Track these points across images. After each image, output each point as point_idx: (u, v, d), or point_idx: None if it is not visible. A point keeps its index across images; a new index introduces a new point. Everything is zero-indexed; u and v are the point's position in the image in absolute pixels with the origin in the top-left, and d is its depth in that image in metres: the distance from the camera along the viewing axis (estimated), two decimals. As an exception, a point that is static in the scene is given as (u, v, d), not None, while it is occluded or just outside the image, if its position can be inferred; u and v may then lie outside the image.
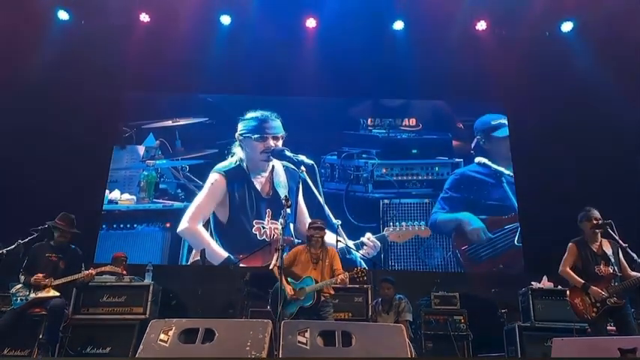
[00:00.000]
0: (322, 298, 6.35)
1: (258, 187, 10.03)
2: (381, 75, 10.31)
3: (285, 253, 6.24)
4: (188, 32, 9.88)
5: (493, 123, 10.59)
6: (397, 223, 9.79)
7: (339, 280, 6.29)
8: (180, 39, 9.88)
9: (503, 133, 10.49)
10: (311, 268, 6.48)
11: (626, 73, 9.31)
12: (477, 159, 10.31)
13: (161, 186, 10.28)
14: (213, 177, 10.11)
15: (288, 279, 6.47)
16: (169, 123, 10.59)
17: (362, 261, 9.32)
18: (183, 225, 9.85)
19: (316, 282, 6.34)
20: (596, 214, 5.99)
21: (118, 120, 10.54)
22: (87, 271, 6.62)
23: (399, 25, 10.09)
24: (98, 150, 10.14)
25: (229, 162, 10.24)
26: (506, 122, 10.55)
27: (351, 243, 9.40)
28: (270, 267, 6.34)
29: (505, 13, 9.67)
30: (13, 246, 6.25)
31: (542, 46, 10.00)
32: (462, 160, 10.35)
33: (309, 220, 9.65)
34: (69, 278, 6.52)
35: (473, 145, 10.45)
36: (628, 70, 9.32)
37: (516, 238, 9.80)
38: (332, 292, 6.53)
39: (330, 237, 7.79)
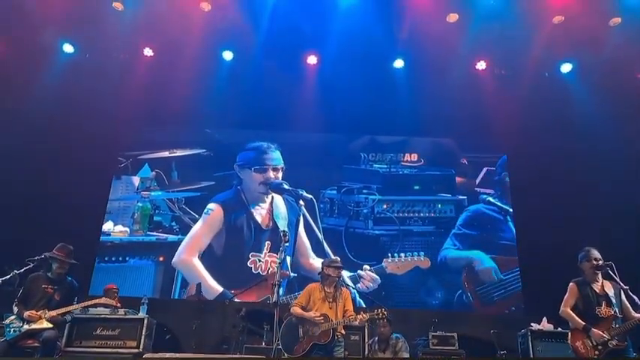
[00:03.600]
0: (335, 337, 6.25)
1: (259, 218, 9.94)
2: (382, 112, 10.40)
3: (282, 288, 6.17)
4: (190, 67, 9.99)
5: None
6: (396, 254, 9.70)
7: (357, 320, 6.21)
8: (182, 73, 9.99)
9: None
10: (326, 306, 6.37)
11: (624, 113, 9.42)
12: (483, 196, 10.30)
13: (155, 218, 10.18)
14: (211, 207, 10.00)
15: None
16: (166, 154, 10.55)
17: (360, 300, 9.20)
18: (178, 256, 9.72)
19: (332, 320, 6.24)
20: (596, 254, 5.95)
21: (117, 150, 10.55)
22: (73, 306, 6.62)
23: (399, 63, 10.21)
24: (97, 180, 10.13)
25: (228, 193, 10.16)
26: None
27: (346, 276, 9.26)
28: (271, 301, 6.25)
29: (505, 53, 9.80)
30: (8, 276, 6.23)
31: (541, 86, 10.13)
32: (465, 197, 10.31)
33: (311, 254, 9.63)
34: (62, 310, 6.49)
35: (480, 178, 10.43)
36: (627, 111, 9.43)
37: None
38: (343, 331, 6.41)
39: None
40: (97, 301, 6.81)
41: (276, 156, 10.32)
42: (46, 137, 9.69)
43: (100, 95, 9.95)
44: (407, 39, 9.54)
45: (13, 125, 9.37)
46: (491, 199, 10.25)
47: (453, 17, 9.08)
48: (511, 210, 10.19)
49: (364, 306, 8.99)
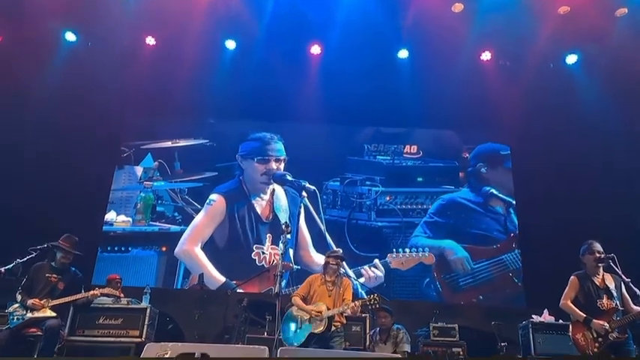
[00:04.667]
0: (333, 327, 6.26)
1: (259, 210, 9.94)
2: (386, 103, 10.34)
3: (284, 280, 6.19)
4: (193, 56, 9.94)
5: (503, 153, 10.58)
6: (400, 250, 9.70)
7: (349, 309, 6.23)
8: (184, 62, 9.94)
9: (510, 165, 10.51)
10: (325, 295, 6.42)
11: (629, 105, 9.36)
12: (485, 189, 10.24)
13: (158, 208, 10.20)
14: (213, 198, 10.01)
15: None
16: (169, 144, 10.56)
17: (362, 292, 9.21)
18: (180, 247, 9.75)
19: (328, 309, 6.27)
20: (599, 247, 5.94)
21: (119, 140, 10.55)
22: (92, 291, 6.67)
23: (403, 53, 10.14)
24: (100, 170, 10.15)
25: (230, 183, 10.16)
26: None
27: (350, 272, 9.29)
28: (273, 292, 6.26)
29: (510, 44, 9.73)
30: (11, 265, 6.24)
31: (546, 78, 10.04)
32: (468, 189, 10.30)
33: (311, 247, 9.62)
34: (71, 298, 6.53)
35: (467, 172, 10.42)
36: (632, 102, 9.37)
37: (500, 272, 9.77)
38: (343, 321, 6.44)
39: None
40: (100, 291, 6.81)
41: (278, 147, 10.31)
42: (48, 127, 9.66)
43: (103, 84, 9.92)
44: (411, 29, 9.48)
45: (14, 115, 9.39)
46: (493, 191, 10.23)
47: (458, 7, 9.03)
48: (514, 202, 10.18)
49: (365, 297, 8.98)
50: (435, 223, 10.04)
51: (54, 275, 6.62)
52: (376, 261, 9.60)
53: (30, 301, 6.33)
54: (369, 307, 6.41)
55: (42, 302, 6.37)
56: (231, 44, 10.12)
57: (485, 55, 10.06)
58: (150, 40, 10.02)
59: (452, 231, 10.01)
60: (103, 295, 6.87)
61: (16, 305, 6.38)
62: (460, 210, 10.16)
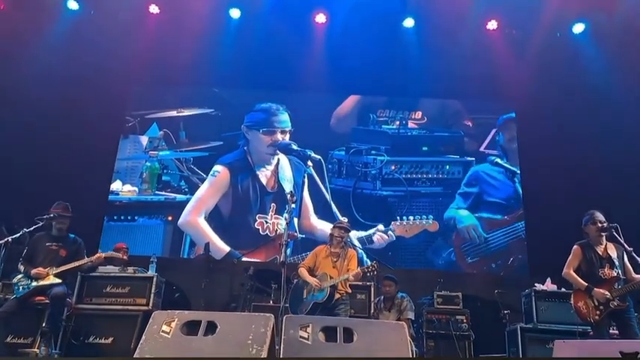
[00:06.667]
0: (337, 296, 6.35)
1: (264, 180, 9.97)
2: (391, 72, 10.26)
3: (289, 248, 6.25)
4: (197, 24, 9.83)
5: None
6: (404, 217, 9.75)
7: (351, 276, 6.30)
8: (188, 31, 9.85)
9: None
10: (330, 266, 6.50)
11: (638, 75, 9.26)
12: (490, 158, 10.25)
13: (164, 178, 10.22)
14: (217, 169, 10.03)
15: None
16: (174, 113, 10.53)
17: (368, 260, 9.28)
18: (184, 218, 9.80)
19: (331, 279, 6.36)
20: (601, 217, 5.97)
21: (124, 110, 10.53)
22: (95, 255, 6.70)
23: (409, 22, 10.01)
24: (105, 140, 10.16)
25: (234, 154, 10.17)
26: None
27: (356, 237, 9.35)
28: (279, 261, 6.35)
29: (516, 13, 9.61)
30: (18, 234, 6.30)
31: (552, 47, 9.92)
32: (473, 159, 10.27)
33: (313, 216, 9.68)
34: (75, 264, 6.55)
35: (488, 141, 10.36)
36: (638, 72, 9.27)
37: (514, 239, 9.82)
38: (349, 290, 6.54)
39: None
40: (104, 254, 6.83)
41: (284, 118, 10.28)
42: (51, 97, 9.62)
43: (106, 53, 9.86)
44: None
45: (17, 84, 9.36)
46: (498, 160, 10.22)
47: (464, -26, 8.90)
48: (518, 171, 10.17)
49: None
50: (465, 194, 10.08)
51: (54, 244, 6.61)
52: (380, 226, 9.65)
53: (34, 271, 6.33)
54: (369, 274, 6.50)
55: (46, 270, 6.37)
56: (235, 12, 10.01)
57: (492, 24, 9.93)
58: (153, 9, 9.92)
59: (476, 201, 10.04)
60: (106, 258, 6.89)
61: (20, 276, 6.40)
62: (484, 180, 10.16)
